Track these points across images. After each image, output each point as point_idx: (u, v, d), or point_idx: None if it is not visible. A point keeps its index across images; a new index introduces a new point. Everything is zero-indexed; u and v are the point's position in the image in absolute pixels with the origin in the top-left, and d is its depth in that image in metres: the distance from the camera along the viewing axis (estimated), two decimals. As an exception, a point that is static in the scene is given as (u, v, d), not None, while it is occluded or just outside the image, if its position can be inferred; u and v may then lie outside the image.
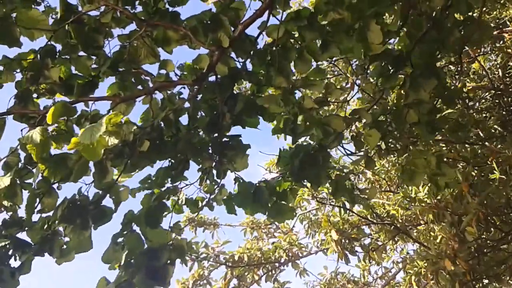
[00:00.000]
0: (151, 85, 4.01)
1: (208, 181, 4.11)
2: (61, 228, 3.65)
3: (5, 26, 3.61)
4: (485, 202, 5.62)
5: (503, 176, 5.45)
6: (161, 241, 3.64)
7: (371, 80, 4.27)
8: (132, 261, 3.51)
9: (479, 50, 7.36)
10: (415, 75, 3.87)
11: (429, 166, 3.86)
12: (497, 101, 7.36)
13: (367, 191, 4.26)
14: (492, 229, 6.12)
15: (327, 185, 4.25)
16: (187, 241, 3.70)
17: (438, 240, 6.52)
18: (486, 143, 6.11)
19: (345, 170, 4.33)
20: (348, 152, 5.04)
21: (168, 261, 3.59)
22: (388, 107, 4.16)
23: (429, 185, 5.94)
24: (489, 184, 5.53)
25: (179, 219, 3.88)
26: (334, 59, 6.92)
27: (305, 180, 4.06)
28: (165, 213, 3.88)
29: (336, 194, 4.14)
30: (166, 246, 3.61)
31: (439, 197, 6.23)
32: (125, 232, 3.69)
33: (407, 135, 4.23)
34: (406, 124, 3.91)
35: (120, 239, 3.67)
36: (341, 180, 4.10)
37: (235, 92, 4.04)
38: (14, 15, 3.59)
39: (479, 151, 6.36)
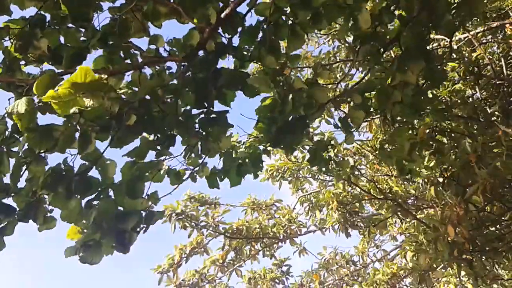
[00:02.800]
0: (140, 60, 4.03)
1: (193, 155, 4.14)
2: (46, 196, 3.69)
3: (-5, -6, 3.65)
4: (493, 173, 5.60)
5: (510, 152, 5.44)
6: (136, 208, 3.66)
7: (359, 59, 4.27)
8: (103, 223, 3.54)
9: (480, 40, 7.30)
10: (404, 57, 3.86)
11: (401, 150, 3.88)
12: (498, 90, 7.31)
13: (341, 163, 4.32)
14: (495, 202, 6.14)
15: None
16: (156, 212, 3.72)
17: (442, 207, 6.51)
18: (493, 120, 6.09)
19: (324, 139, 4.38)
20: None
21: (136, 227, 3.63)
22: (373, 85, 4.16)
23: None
24: (496, 157, 5.52)
25: (156, 190, 3.90)
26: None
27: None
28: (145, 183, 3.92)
29: (313, 162, 4.20)
30: (138, 212, 3.64)
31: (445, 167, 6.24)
32: (101, 196, 3.73)
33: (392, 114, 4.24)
34: (389, 103, 3.90)
35: (95, 202, 3.71)
36: (319, 149, 4.15)
37: (218, 67, 4.04)
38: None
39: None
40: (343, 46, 6.96)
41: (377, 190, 9.27)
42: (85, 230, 3.48)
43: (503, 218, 6.40)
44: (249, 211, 11.76)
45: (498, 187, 5.89)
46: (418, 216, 9.12)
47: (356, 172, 9.08)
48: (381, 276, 9.58)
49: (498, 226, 6.42)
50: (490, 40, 7.47)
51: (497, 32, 7.16)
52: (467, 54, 7.14)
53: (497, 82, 7.02)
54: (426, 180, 7.50)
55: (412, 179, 8.03)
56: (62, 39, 3.91)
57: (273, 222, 11.26)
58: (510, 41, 6.91)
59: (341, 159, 7.12)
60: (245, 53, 4.01)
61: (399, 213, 9.17)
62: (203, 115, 4.05)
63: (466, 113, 6.61)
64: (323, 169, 4.40)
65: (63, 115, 3.24)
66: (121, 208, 3.56)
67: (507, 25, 6.76)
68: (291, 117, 3.96)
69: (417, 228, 8.74)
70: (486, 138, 6.03)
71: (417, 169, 4.43)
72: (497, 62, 7.27)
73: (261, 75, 4.09)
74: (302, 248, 11.31)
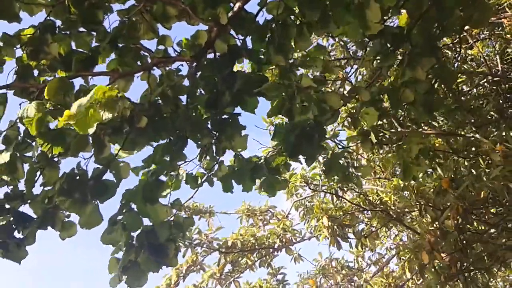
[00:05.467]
0: (149, 61, 4.01)
1: (208, 158, 4.12)
2: (63, 202, 3.66)
3: (4, 1, 3.61)
4: (464, 195, 5.67)
5: (488, 169, 5.48)
6: (161, 217, 3.65)
7: (370, 57, 4.27)
8: (134, 241, 3.57)
9: (477, 36, 7.35)
10: (414, 53, 3.87)
11: (408, 154, 3.89)
12: (494, 87, 7.35)
13: (361, 168, 4.28)
14: (474, 222, 6.18)
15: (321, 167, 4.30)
16: (183, 218, 3.73)
17: (417, 235, 6.60)
18: (478, 135, 6.12)
19: (339, 147, 4.35)
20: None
21: (170, 238, 3.62)
22: (385, 87, 4.16)
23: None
24: (469, 178, 5.59)
25: (179, 197, 3.89)
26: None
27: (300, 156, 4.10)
28: (164, 190, 3.89)
29: (330, 173, 4.17)
30: (166, 223, 3.63)
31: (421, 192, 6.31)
32: (124, 211, 3.72)
33: (404, 117, 4.24)
34: (402, 104, 3.91)
35: (119, 217, 3.69)
36: (335, 159, 4.12)
37: (234, 70, 4.03)
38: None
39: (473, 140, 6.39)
40: (338, 44, 6.97)
41: (367, 202, 9.26)
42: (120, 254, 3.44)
43: (488, 236, 6.44)
44: (244, 218, 11.69)
45: (472, 208, 5.96)
46: (408, 220, 9.18)
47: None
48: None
49: (485, 244, 6.43)
50: (486, 36, 7.51)
51: (494, 28, 7.20)
52: (462, 51, 7.19)
53: (493, 80, 7.06)
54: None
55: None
56: (73, 44, 3.87)
57: (268, 230, 11.19)
58: (508, 36, 6.96)
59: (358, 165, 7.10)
60: (261, 56, 3.99)
61: (390, 223, 9.21)
62: (214, 117, 4.03)
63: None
64: (337, 178, 4.34)
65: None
66: (149, 223, 3.52)
67: (505, 20, 6.79)
68: (307, 125, 3.94)
69: (409, 240, 8.80)
70: (468, 155, 6.10)
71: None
72: (493, 58, 7.31)
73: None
74: (297, 256, 11.25)
